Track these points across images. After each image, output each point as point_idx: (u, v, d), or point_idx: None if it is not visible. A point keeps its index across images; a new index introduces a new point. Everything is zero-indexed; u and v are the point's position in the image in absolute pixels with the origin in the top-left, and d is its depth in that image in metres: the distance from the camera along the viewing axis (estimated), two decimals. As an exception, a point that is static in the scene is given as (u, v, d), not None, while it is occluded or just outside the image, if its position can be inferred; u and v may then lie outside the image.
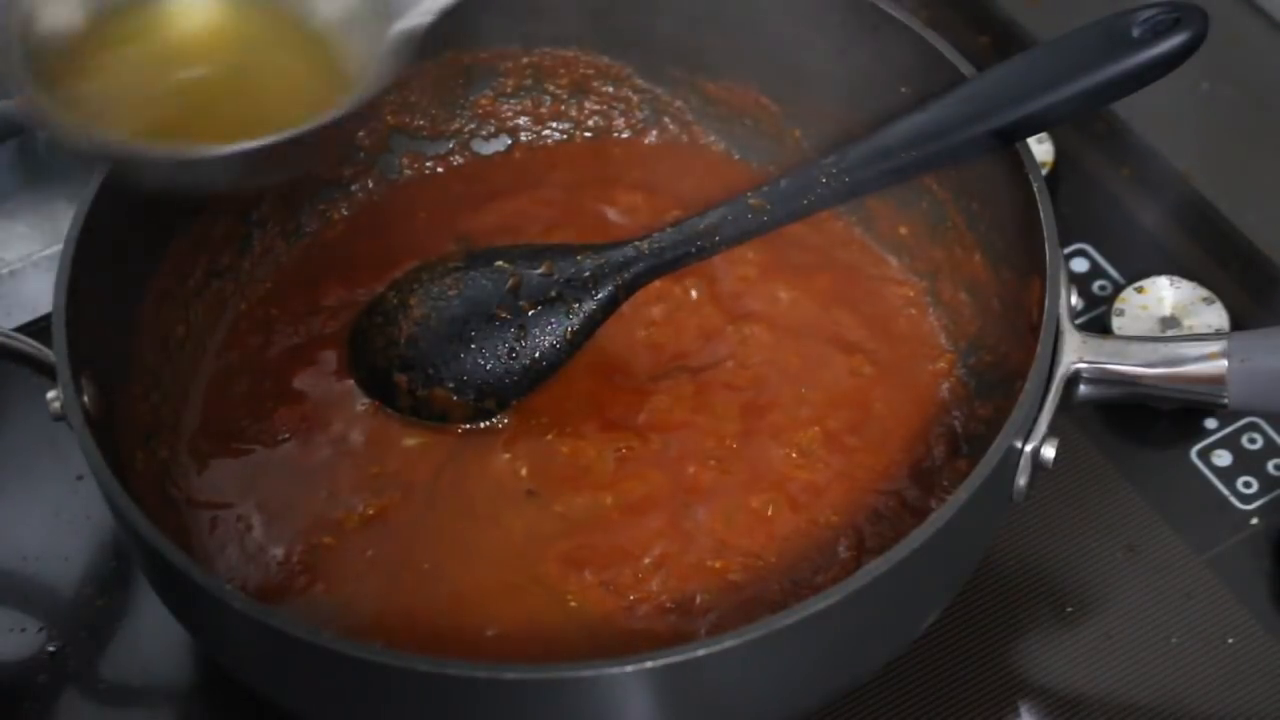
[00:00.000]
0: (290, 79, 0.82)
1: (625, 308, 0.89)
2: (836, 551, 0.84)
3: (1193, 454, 0.94)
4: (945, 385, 0.89)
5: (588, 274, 0.88)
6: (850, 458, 0.87)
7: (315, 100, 0.80)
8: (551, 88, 0.99)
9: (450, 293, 0.89)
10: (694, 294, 0.92)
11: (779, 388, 0.89)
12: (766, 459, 0.87)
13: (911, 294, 0.93)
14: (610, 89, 0.99)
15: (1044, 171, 0.95)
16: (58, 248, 0.82)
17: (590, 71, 0.99)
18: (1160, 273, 0.99)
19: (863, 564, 0.74)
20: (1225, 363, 0.80)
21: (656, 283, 0.90)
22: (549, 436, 0.87)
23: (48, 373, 0.81)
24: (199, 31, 0.83)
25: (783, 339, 0.91)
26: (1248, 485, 0.93)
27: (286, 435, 0.88)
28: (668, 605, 0.82)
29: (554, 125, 1.00)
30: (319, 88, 0.81)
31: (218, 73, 0.82)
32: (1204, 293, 0.98)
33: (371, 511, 0.85)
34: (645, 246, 0.88)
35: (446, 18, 0.95)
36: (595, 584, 0.82)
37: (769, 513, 0.85)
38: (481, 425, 0.88)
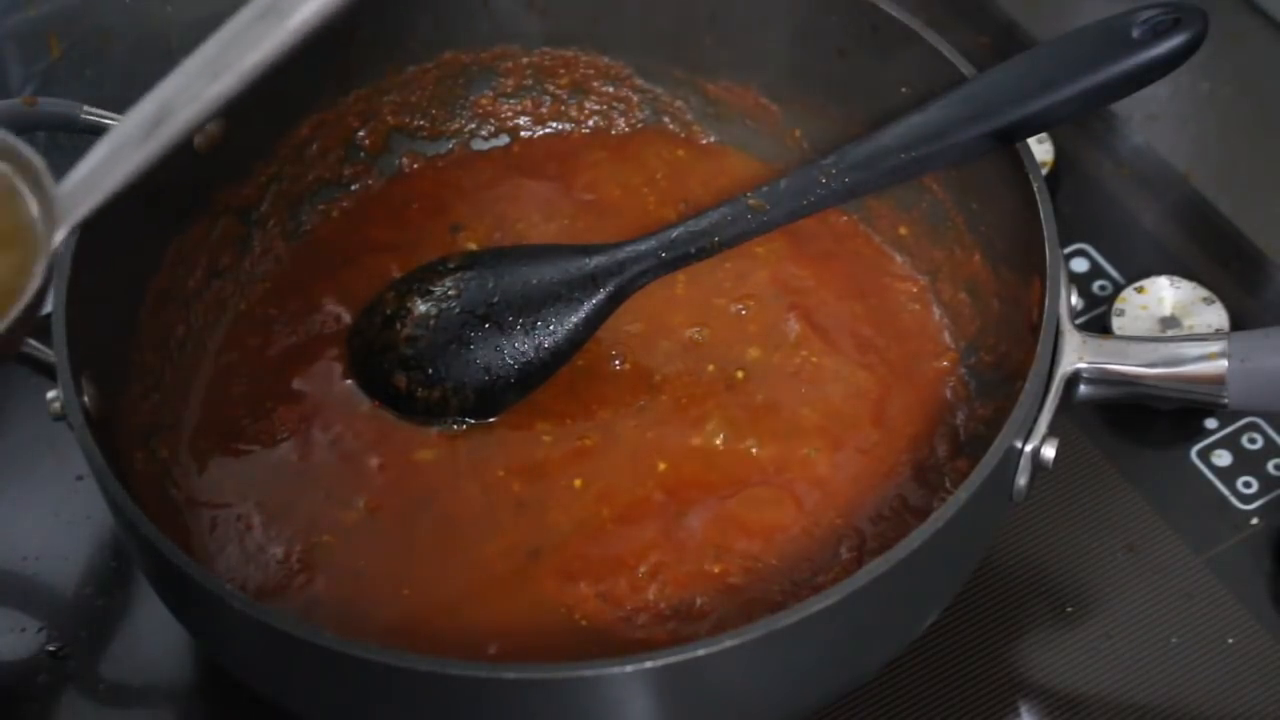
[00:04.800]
0: None
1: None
2: (838, 552, 0.83)
3: (1193, 454, 0.94)
4: (949, 383, 0.89)
5: (587, 275, 0.88)
6: (856, 457, 0.87)
7: None
8: (551, 88, 0.99)
9: (450, 293, 0.89)
10: (698, 279, 0.92)
11: (789, 384, 0.89)
12: (771, 458, 0.86)
13: (915, 290, 0.93)
14: (610, 89, 0.99)
15: (1044, 171, 0.95)
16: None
17: (590, 71, 0.99)
18: (1160, 273, 0.99)
19: (864, 565, 0.73)
20: (1225, 363, 0.80)
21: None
22: (546, 439, 0.87)
23: (48, 373, 0.81)
24: None
25: (799, 327, 0.91)
26: (1248, 485, 0.93)
27: (286, 435, 0.88)
28: (666, 613, 0.82)
29: (554, 125, 1.00)
30: None
31: None
32: (1204, 293, 0.98)
33: (370, 511, 0.85)
34: (644, 247, 0.88)
35: (446, 17, 0.96)
36: (591, 595, 0.82)
37: (771, 514, 0.84)
38: (481, 426, 0.88)
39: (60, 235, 0.72)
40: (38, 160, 0.74)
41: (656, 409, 0.88)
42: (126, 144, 0.72)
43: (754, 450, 0.87)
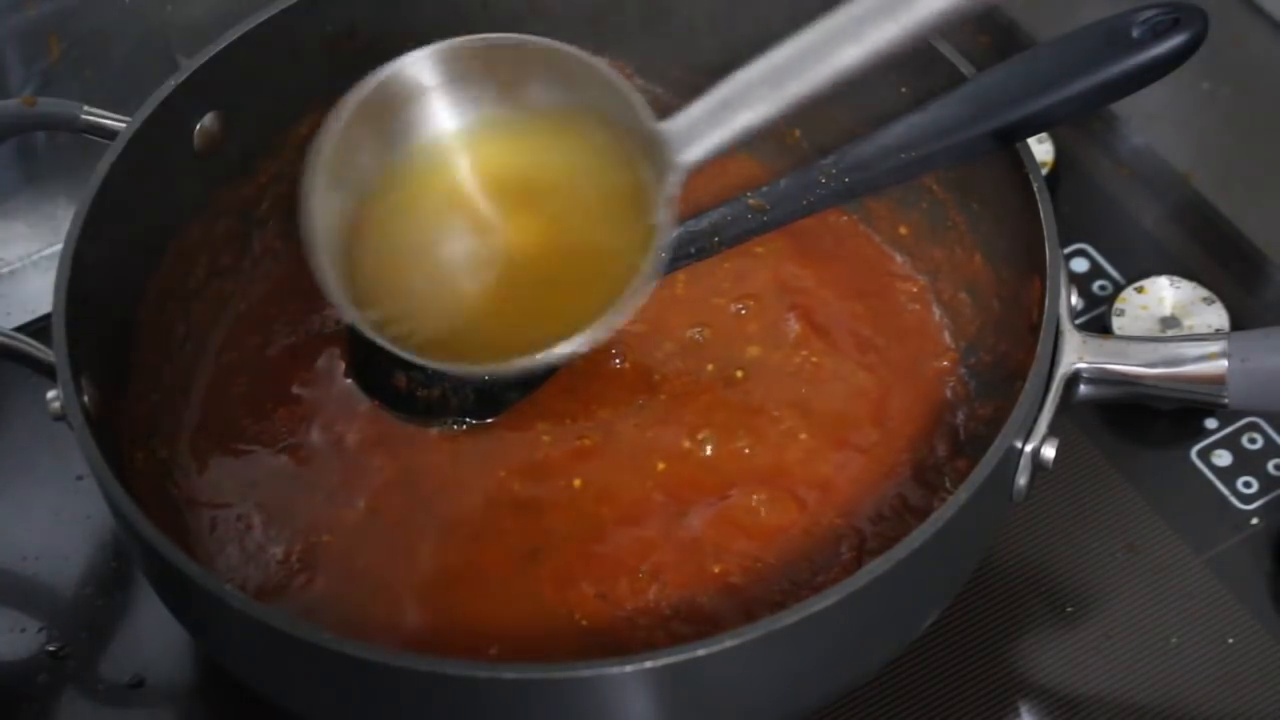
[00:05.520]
0: (590, 250, 0.74)
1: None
2: (839, 552, 0.83)
3: (1193, 454, 0.94)
4: (949, 383, 0.89)
5: (587, 274, 0.88)
6: (856, 457, 0.86)
7: (618, 270, 0.71)
8: (552, 88, 0.99)
9: (451, 293, 0.89)
10: (698, 279, 0.92)
11: (789, 383, 0.89)
12: (771, 458, 0.86)
13: (915, 290, 0.93)
14: (610, 89, 0.99)
15: (1044, 171, 0.95)
16: (58, 248, 0.83)
17: (590, 71, 0.99)
18: (1160, 273, 0.99)
19: (864, 565, 0.73)
20: (1225, 363, 0.80)
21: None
22: (545, 439, 0.87)
23: (48, 373, 0.81)
24: (484, 192, 0.74)
25: (799, 326, 0.91)
26: (1248, 485, 0.93)
27: (286, 435, 0.88)
28: (667, 613, 0.82)
29: (554, 125, 1.00)
30: (617, 252, 0.73)
31: (511, 253, 0.74)
32: (1204, 293, 0.98)
33: (370, 511, 0.85)
34: (645, 247, 0.88)
35: (446, 17, 0.96)
36: (591, 596, 0.82)
37: (771, 514, 0.84)
38: (481, 425, 0.88)
39: (675, 180, 0.68)
40: (635, 96, 0.69)
41: (656, 409, 0.88)
42: (754, 85, 0.68)
43: (754, 450, 0.87)
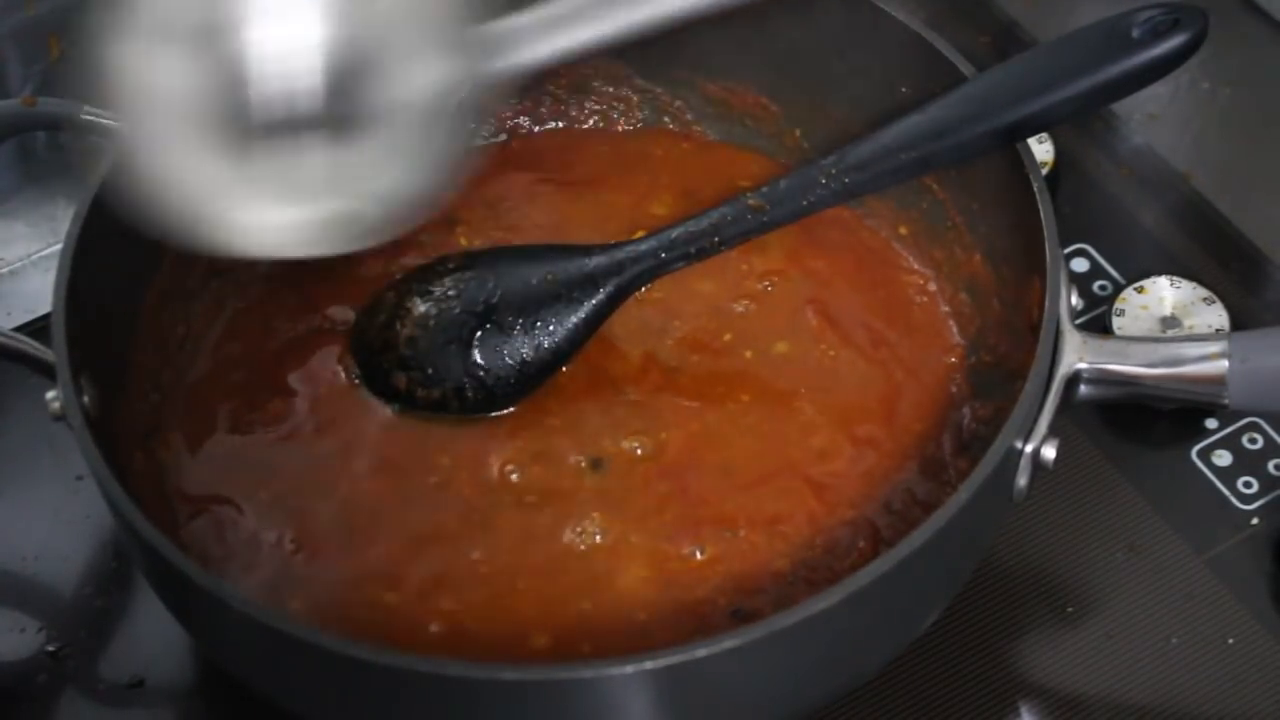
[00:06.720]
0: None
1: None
2: (855, 544, 0.83)
3: (1193, 454, 0.94)
4: (955, 380, 0.89)
5: (586, 275, 0.88)
6: (868, 451, 0.86)
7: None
8: (551, 87, 0.99)
9: (449, 294, 0.89)
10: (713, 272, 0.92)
11: (803, 376, 0.89)
12: (786, 452, 0.86)
13: (921, 283, 0.93)
14: (610, 89, 0.99)
15: (1044, 171, 0.95)
16: (58, 248, 0.83)
17: (590, 71, 0.99)
18: (1160, 273, 0.99)
19: (878, 557, 0.73)
20: (1226, 363, 0.80)
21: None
22: (549, 436, 0.87)
23: (47, 373, 0.81)
24: None
25: (814, 320, 0.91)
26: (1248, 485, 0.93)
27: (284, 431, 0.88)
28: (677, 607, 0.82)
29: (553, 124, 1.00)
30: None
31: None
32: (1204, 293, 0.98)
33: (371, 507, 0.85)
34: (644, 248, 0.88)
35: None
36: (596, 586, 0.82)
37: (786, 505, 0.84)
38: (484, 418, 0.88)
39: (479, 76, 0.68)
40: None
41: (669, 403, 0.88)
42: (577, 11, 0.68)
43: (766, 444, 0.86)
